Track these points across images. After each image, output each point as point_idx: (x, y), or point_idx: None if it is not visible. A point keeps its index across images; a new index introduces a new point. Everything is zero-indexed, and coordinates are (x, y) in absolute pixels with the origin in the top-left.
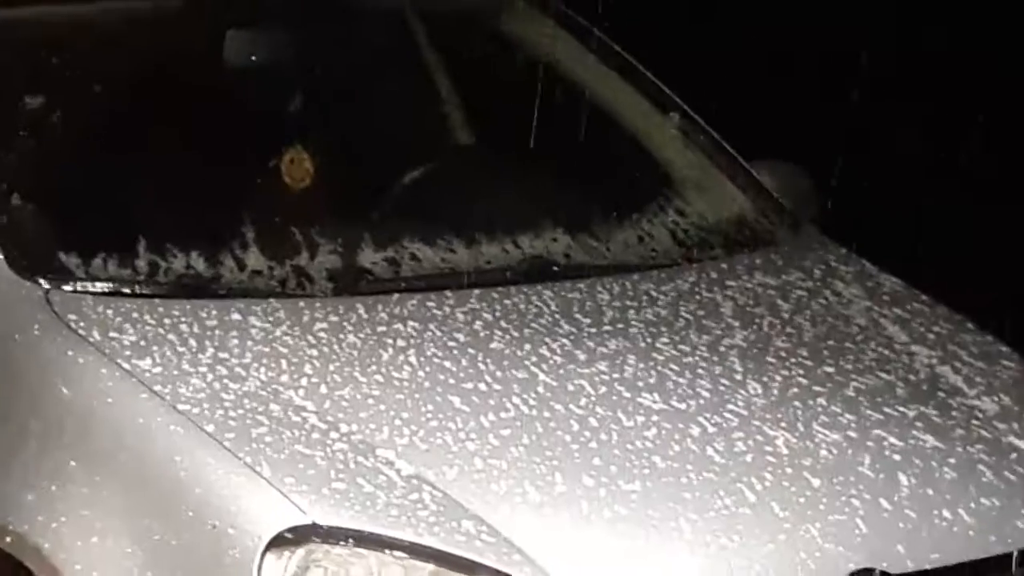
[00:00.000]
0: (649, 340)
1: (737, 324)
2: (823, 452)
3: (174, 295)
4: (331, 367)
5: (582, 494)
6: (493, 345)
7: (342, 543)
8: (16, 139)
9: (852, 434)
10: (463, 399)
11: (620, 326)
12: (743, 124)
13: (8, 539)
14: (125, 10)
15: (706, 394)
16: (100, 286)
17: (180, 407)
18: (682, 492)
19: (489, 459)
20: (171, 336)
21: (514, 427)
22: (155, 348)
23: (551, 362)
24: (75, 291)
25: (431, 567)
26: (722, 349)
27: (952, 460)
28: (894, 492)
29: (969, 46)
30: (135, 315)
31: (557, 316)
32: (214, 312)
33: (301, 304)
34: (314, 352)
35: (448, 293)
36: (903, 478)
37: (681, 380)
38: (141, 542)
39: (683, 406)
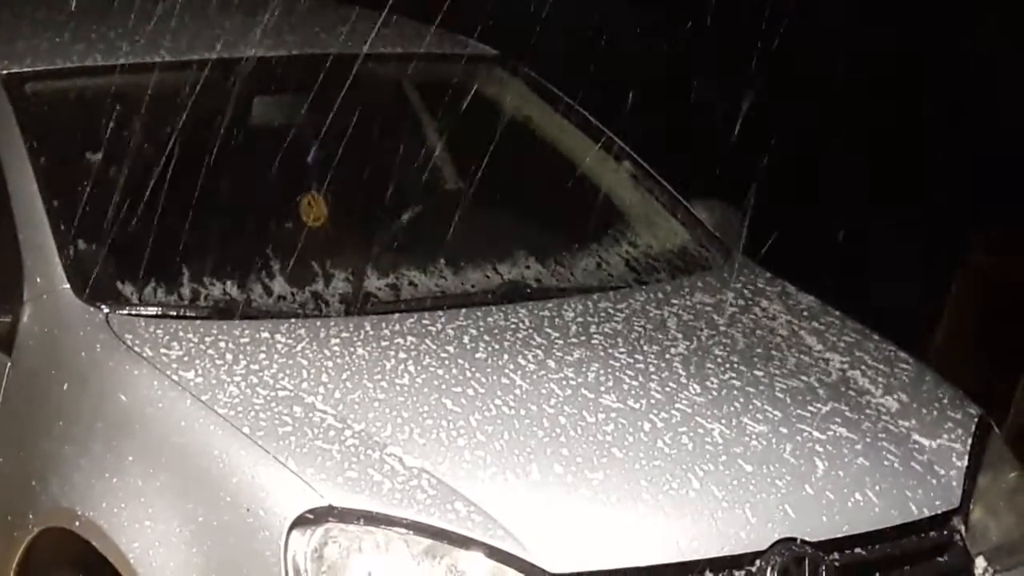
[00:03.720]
0: (608, 350)
1: (680, 336)
2: (753, 442)
3: (213, 317)
4: (344, 375)
5: (553, 480)
6: (478, 355)
7: (354, 522)
8: (78, 190)
9: (778, 427)
10: (454, 401)
11: (583, 338)
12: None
13: (78, 523)
14: (172, 79)
15: (656, 395)
16: (151, 310)
17: (219, 410)
18: (637, 478)
19: (476, 451)
20: (211, 351)
21: (496, 424)
22: (197, 361)
23: (526, 369)
24: (130, 314)
25: (428, 541)
26: (668, 356)
27: (860, 448)
28: (812, 475)
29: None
30: (181, 334)
31: (531, 330)
32: (246, 331)
33: (318, 323)
34: (329, 363)
35: (440, 312)
36: (820, 464)
37: (635, 383)
38: (187, 523)
39: (637, 405)
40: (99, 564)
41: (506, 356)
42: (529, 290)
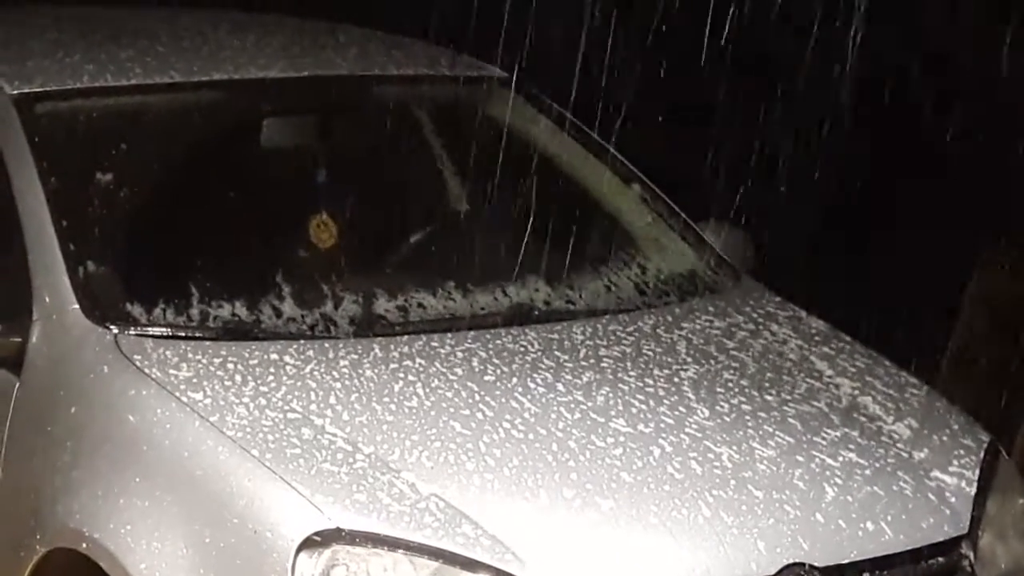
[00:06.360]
0: (617, 373)
1: (690, 359)
2: (763, 468)
3: (222, 338)
4: (352, 397)
5: (562, 504)
6: (486, 378)
7: (362, 544)
8: (88, 211)
9: (787, 452)
10: (462, 424)
11: (592, 361)
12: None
13: (85, 544)
14: (182, 100)
15: (665, 419)
16: (160, 331)
17: (227, 432)
18: (646, 502)
19: (484, 474)
20: (219, 372)
21: (505, 448)
22: (206, 382)
23: (535, 392)
24: (139, 335)
25: (436, 564)
26: (678, 380)
27: (870, 474)
28: (821, 501)
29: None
30: (189, 355)
31: (539, 353)
32: (255, 352)
33: (327, 345)
34: (338, 385)
35: (448, 335)
36: (829, 489)
37: (644, 407)
38: (194, 545)
39: (646, 429)
40: None
41: (515, 379)
42: (538, 312)
